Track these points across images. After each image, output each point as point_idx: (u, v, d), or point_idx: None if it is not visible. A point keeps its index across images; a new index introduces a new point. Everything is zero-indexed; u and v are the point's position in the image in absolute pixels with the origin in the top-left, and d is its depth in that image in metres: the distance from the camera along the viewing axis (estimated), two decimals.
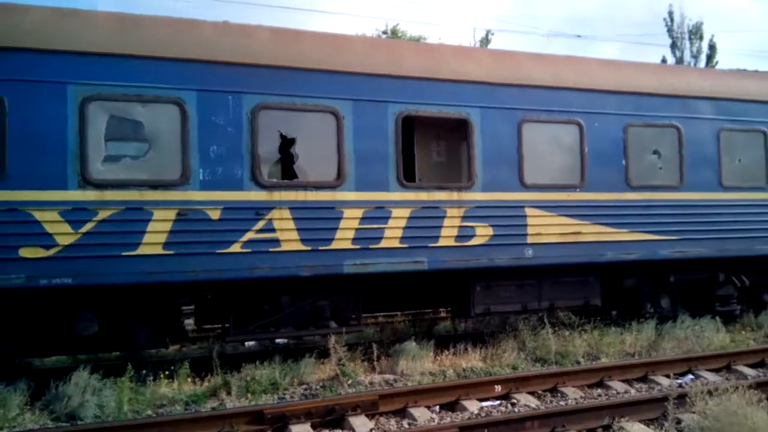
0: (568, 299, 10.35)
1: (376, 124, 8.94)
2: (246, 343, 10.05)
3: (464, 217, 9.29)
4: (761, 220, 11.41)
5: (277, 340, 10.02)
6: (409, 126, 9.82)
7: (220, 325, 9.21)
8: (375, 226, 8.75)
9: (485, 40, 28.01)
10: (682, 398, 6.88)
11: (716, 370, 9.03)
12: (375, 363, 8.60)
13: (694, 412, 6.64)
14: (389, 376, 8.36)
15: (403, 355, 8.65)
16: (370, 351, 8.71)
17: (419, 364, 8.56)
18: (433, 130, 10.26)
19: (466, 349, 9.22)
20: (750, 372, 8.95)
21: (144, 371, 8.09)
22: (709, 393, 6.74)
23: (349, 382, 8.01)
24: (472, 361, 8.95)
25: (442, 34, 54.15)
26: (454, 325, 11.01)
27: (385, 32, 26.03)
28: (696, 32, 32.33)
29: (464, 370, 8.69)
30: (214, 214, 8.04)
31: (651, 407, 7.11)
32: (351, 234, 8.58)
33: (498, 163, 9.61)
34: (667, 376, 8.67)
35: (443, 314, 12.08)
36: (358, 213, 8.67)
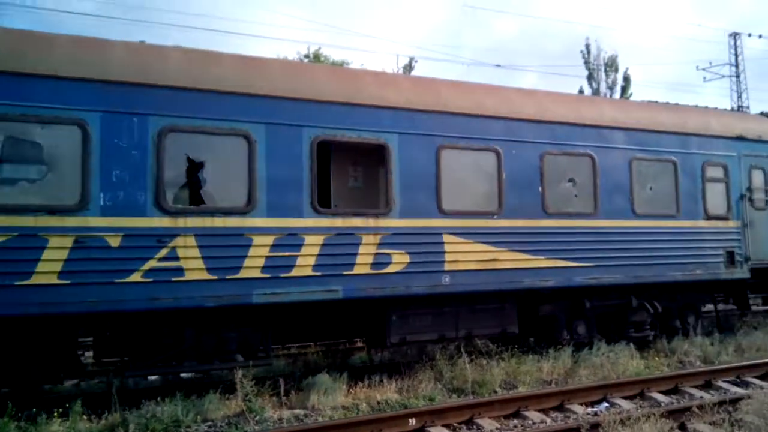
0: (485, 327, 10.26)
1: (290, 149, 8.70)
2: (149, 378, 9.48)
3: (380, 244, 9.10)
4: (673, 247, 11.71)
5: (182, 375, 9.51)
6: (326, 151, 9.62)
7: (120, 359, 8.65)
8: (287, 253, 8.45)
9: (408, 67, 28.35)
10: (595, 428, 6.82)
11: (631, 397, 9.04)
12: (284, 398, 8.22)
13: None
14: (299, 412, 7.98)
15: (315, 389, 8.30)
16: (280, 385, 8.33)
17: (332, 397, 8.22)
18: (350, 156, 10.08)
19: (381, 381, 8.95)
20: (663, 399, 8.99)
21: (34, 408, 7.45)
22: (622, 422, 6.72)
23: (257, 418, 7.61)
24: (387, 393, 8.67)
25: (365, 60, 54.92)
26: (370, 356, 10.74)
27: (307, 56, 25.97)
28: (611, 65, 33.95)
29: (379, 403, 8.40)
30: (114, 242, 7.58)
31: None
32: (261, 262, 8.25)
33: (416, 189, 9.50)
34: (583, 405, 8.66)
35: (360, 344, 11.81)
36: (269, 240, 8.36)
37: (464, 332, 10.01)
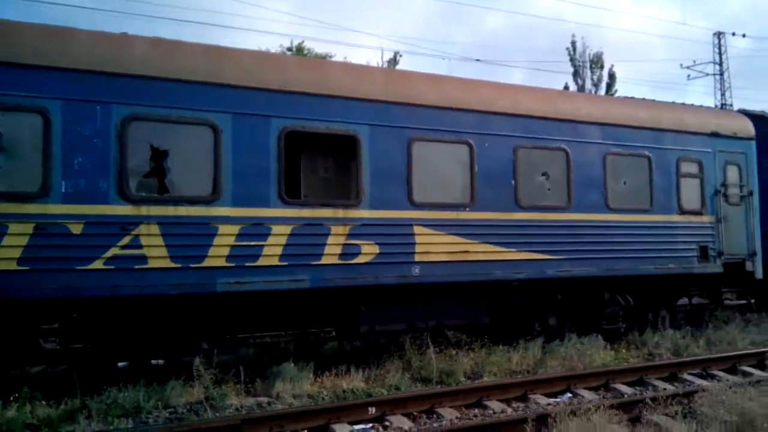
0: (456, 318, 10.32)
1: (257, 139, 8.70)
2: (119, 364, 9.47)
3: (349, 235, 9.12)
4: (646, 241, 11.77)
5: (149, 362, 9.49)
6: (296, 141, 9.63)
7: (85, 346, 8.64)
8: (253, 243, 8.46)
9: (393, 62, 28.31)
10: (543, 419, 6.85)
11: (595, 388, 9.10)
12: (250, 386, 8.26)
13: None
14: (263, 399, 8.00)
15: (281, 377, 8.33)
16: (246, 372, 8.36)
17: (297, 386, 8.25)
18: (322, 147, 10.08)
19: (348, 370, 8.97)
20: (627, 390, 9.05)
21: None
22: (573, 413, 6.72)
23: (219, 405, 7.63)
24: (354, 382, 8.69)
25: (350, 54, 54.90)
26: (341, 345, 10.77)
27: (290, 49, 25.90)
28: (597, 61, 34.03)
29: (344, 391, 8.43)
30: (76, 229, 7.58)
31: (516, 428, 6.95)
32: (226, 251, 8.26)
33: (386, 181, 9.52)
34: (547, 395, 8.70)
35: (334, 333, 11.83)
36: (235, 229, 8.36)
37: (434, 322, 10.07)
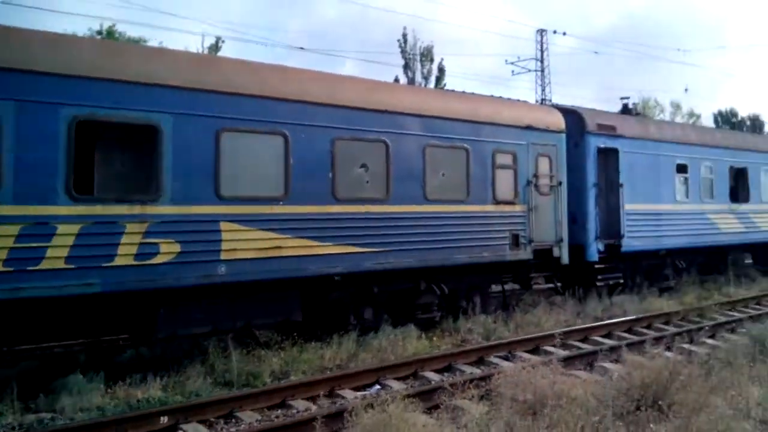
0: (266, 317, 10.04)
1: (43, 129, 7.94)
2: None
3: (147, 233, 8.58)
4: (461, 231, 12.17)
5: None
6: (91, 132, 8.88)
7: None
8: (34, 244, 7.71)
9: (215, 48, 27.22)
10: (339, 416, 6.84)
11: (404, 378, 9.29)
12: (31, 401, 7.55)
13: (346, 427, 6.61)
14: (45, 415, 7.33)
15: (67, 390, 7.68)
16: (27, 387, 7.62)
17: (86, 398, 7.64)
18: (119, 137, 9.37)
19: (144, 379, 8.43)
20: (435, 377, 9.30)
21: None
22: (370, 406, 6.75)
23: None
24: (150, 391, 8.16)
25: (167, 38, 52.23)
26: (139, 353, 10.11)
27: (99, 33, 24.10)
28: (427, 55, 34.88)
29: (138, 401, 7.92)
30: None
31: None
32: (3, 254, 7.46)
33: (190, 174, 9.05)
34: (357, 389, 8.74)
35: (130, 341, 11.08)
36: (14, 230, 7.57)
37: (242, 323, 9.72)
